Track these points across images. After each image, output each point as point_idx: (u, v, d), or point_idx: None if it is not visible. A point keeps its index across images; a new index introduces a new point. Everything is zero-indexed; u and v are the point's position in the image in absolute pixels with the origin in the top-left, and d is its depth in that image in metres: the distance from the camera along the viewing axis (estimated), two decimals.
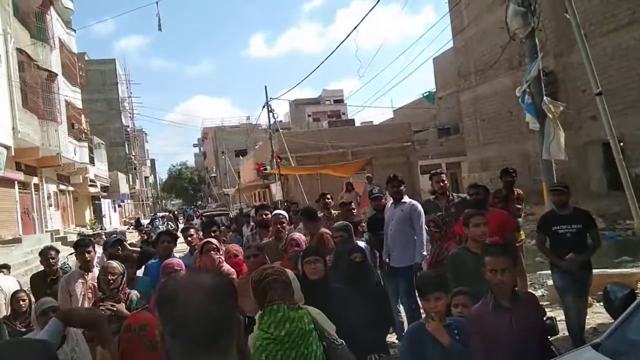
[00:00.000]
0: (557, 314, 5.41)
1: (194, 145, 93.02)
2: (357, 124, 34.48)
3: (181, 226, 24.94)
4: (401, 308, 5.63)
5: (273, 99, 24.09)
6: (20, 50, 17.05)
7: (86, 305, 4.41)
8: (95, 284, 4.31)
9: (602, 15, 14.99)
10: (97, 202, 34.82)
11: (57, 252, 5.92)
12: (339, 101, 57.02)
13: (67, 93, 23.96)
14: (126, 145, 49.16)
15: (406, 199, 5.80)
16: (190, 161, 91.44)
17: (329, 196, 7.97)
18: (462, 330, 2.95)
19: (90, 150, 29.12)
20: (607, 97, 6.01)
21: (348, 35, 20.10)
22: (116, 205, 43.32)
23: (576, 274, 4.73)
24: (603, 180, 15.73)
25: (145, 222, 31.01)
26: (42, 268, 5.76)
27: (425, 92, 23.88)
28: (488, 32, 19.17)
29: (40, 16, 19.85)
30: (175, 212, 38.82)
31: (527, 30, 6.77)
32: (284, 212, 5.84)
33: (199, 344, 1.14)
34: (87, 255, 4.99)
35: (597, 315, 5.76)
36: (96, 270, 4.61)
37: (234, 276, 4.13)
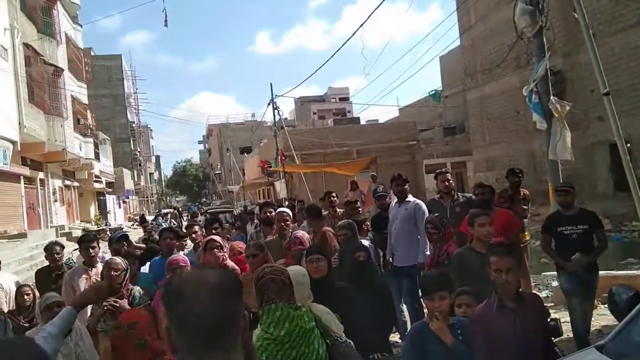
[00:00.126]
0: (562, 316, 5.38)
1: (199, 142, 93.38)
2: (363, 122, 34.44)
3: (184, 223, 25.05)
4: (404, 307, 5.62)
5: (278, 96, 24.11)
6: (26, 45, 17.11)
7: None
8: (98, 279, 4.31)
9: (610, 15, 14.88)
10: (102, 198, 34.97)
11: (62, 247, 5.94)
12: (345, 99, 56.94)
13: (73, 88, 24.04)
14: (131, 141, 49.32)
15: (410, 198, 5.78)
16: (195, 158, 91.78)
17: (334, 194, 7.96)
18: (465, 330, 2.93)
19: (96, 146, 29.22)
20: (614, 97, 5.95)
21: (354, 33, 20.01)
22: (121, 202, 43.49)
23: (582, 276, 4.67)
24: (610, 182, 15.63)
25: (150, 218, 31.14)
26: (47, 263, 5.78)
27: (431, 91, 23.84)
28: (495, 30, 19.07)
29: (47, 11, 19.91)
30: (180, 209, 38.91)
31: (535, 29, 6.72)
32: (287, 210, 5.81)
33: (204, 339, 1.15)
34: (91, 250, 5.00)
35: (601, 317, 5.73)
36: (100, 266, 4.61)
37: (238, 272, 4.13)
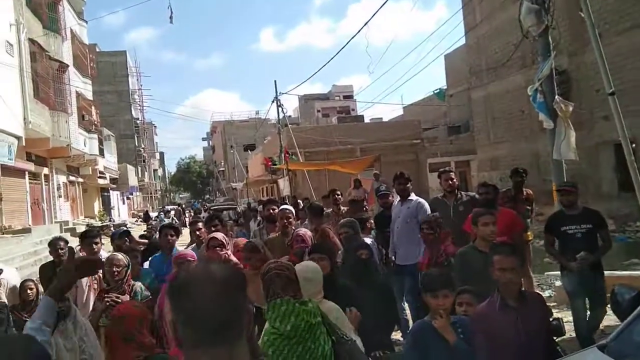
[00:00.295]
0: (565, 315, 5.37)
1: (203, 139, 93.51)
2: (367, 120, 34.40)
3: (186, 220, 25.09)
4: (406, 306, 5.62)
5: (282, 93, 24.08)
6: (32, 41, 17.16)
7: (92, 297, 4.43)
8: (100, 276, 4.33)
9: (617, 14, 14.80)
10: (106, 194, 35.07)
11: (66, 242, 5.95)
12: (349, 97, 56.93)
13: (78, 84, 24.10)
14: (136, 138, 49.43)
15: (413, 196, 5.77)
16: (199, 155, 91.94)
17: (338, 192, 7.97)
18: (466, 329, 2.95)
19: (100, 142, 29.30)
20: (620, 97, 5.92)
21: (359, 31, 19.82)
22: (125, 198, 43.61)
23: (585, 277, 4.61)
24: (614, 182, 15.57)
25: (153, 214, 31.20)
26: (51, 258, 5.80)
27: (436, 89, 23.79)
28: (501, 29, 19.00)
29: (52, 7, 19.97)
30: (183, 206, 38.99)
31: (541, 28, 6.69)
32: (290, 207, 5.82)
33: (210, 332, 1.17)
34: (94, 246, 5.01)
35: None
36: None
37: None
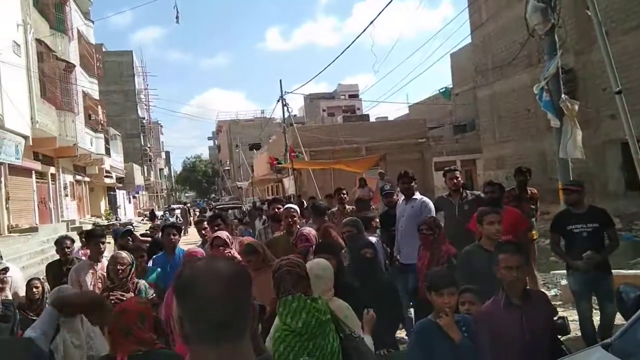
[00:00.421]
0: (570, 314, 5.35)
1: (209, 138, 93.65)
2: (372, 119, 34.35)
3: (191, 219, 25.17)
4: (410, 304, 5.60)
5: (288, 92, 24.12)
6: (39, 41, 17.24)
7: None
8: (105, 274, 4.35)
9: (624, 13, 14.69)
10: (112, 193, 35.23)
11: (73, 241, 6.00)
12: (354, 96, 56.86)
13: (85, 84, 24.21)
14: (142, 137, 49.61)
15: (417, 195, 5.76)
16: (205, 154, 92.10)
17: (344, 191, 7.98)
18: (470, 328, 2.95)
19: (107, 142, 29.43)
20: (627, 95, 5.88)
21: (364, 30, 19.98)
22: (131, 197, 43.79)
23: (591, 276, 4.58)
24: (621, 181, 15.47)
25: (159, 213, 31.32)
26: (57, 257, 5.83)
27: (441, 88, 23.73)
28: (507, 28, 18.92)
29: (59, 7, 20.06)
30: (189, 205, 39.09)
31: (547, 27, 6.66)
32: (295, 206, 5.82)
33: (215, 329, 1.18)
34: (101, 246, 5.04)
35: None
36: (105, 261, 4.64)
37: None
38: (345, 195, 7.97)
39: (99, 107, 27.66)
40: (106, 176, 30.21)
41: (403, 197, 5.90)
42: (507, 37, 19.22)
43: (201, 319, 1.19)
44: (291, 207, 5.58)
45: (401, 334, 5.32)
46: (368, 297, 3.51)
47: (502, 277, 3.00)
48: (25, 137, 15.75)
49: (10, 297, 4.93)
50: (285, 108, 24.00)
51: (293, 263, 2.77)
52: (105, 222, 23.91)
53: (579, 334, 4.79)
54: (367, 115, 35.31)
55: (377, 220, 6.08)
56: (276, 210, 6.22)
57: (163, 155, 76.41)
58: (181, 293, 1.24)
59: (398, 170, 6.44)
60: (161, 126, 73.03)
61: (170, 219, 20.22)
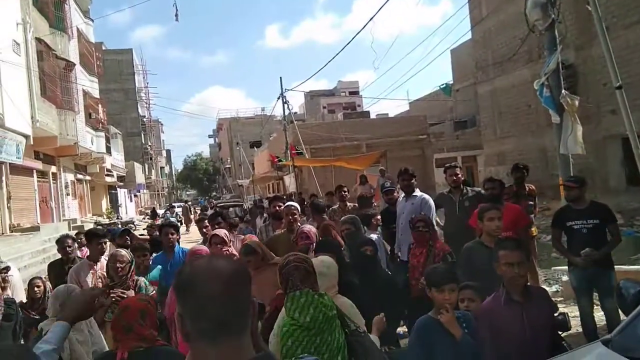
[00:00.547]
0: (572, 310, 5.35)
1: (209, 136, 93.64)
2: (373, 116, 34.32)
3: (192, 217, 25.20)
4: None
5: (288, 90, 24.10)
6: (39, 40, 17.23)
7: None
8: (105, 274, 4.36)
9: (624, 7, 14.64)
10: (113, 191, 35.28)
11: (74, 240, 6.01)
12: (355, 93, 56.77)
13: (85, 83, 24.21)
14: (142, 136, 49.64)
15: (417, 192, 5.76)
16: (206, 152, 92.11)
17: (345, 189, 7.98)
18: (470, 324, 2.95)
19: (107, 140, 29.44)
20: (627, 91, 5.87)
21: (363, 27, 19.75)
22: (132, 195, 43.84)
23: (591, 273, 4.58)
24: (622, 176, 15.45)
25: (160, 212, 31.36)
26: (59, 256, 5.84)
27: (442, 84, 23.66)
28: (507, 23, 18.87)
29: (59, 5, 20.04)
30: (190, 203, 39.13)
31: (547, 22, 6.65)
32: (295, 204, 5.82)
33: (215, 326, 1.19)
34: (103, 245, 5.04)
35: None
36: (104, 260, 4.64)
37: None
38: (347, 193, 7.98)
39: (100, 105, 27.67)
40: (107, 175, 30.24)
41: (403, 194, 5.90)
42: (507, 32, 19.17)
43: (201, 316, 1.20)
44: (292, 205, 5.58)
45: (402, 329, 5.33)
46: (369, 294, 3.52)
47: (502, 274, 3.00)
48: (26, 136, 15.76)
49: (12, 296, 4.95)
50: (286, 105, 23.99)
51: (301, 259, 2.79)
52: (107, 221, 23.95)
53: (580, 330, 4.79)
54: (368, 112, 35.28)
55: (379, 217, 6.08)
56: (277, 208, 6.22)
57: (164, 153, 76.49)
58: (181, 291, 1.25)
59: (399, 166, 6.45)
60: (162, 124, 73.11)
61: (171, 217, 20.22)
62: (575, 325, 4.77)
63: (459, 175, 5.87)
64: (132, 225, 21.70)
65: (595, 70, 15.23)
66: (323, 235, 4.55)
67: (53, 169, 20.61)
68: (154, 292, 4.15)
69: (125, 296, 3.81)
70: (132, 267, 4.06)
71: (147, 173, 50.75)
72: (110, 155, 30.68)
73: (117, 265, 3.94)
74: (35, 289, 4.96)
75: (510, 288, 2.97)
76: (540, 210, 14.40)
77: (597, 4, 5.74)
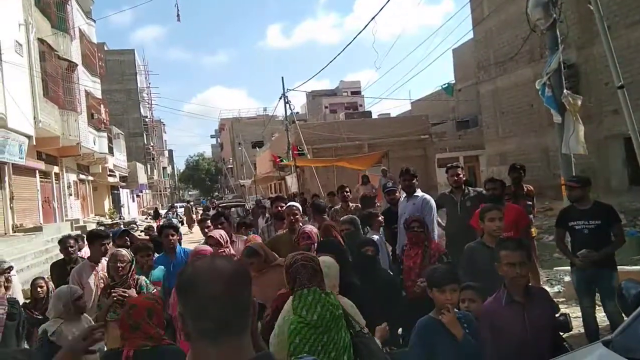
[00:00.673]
0: (574, 311, 5.34)
1: (212, 136, 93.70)
2: (374, 115, 34.29)
3: (194, 217, 25.21)
4: None
5: (290, 90, 24.10)
6: (41, 41, 17.28)
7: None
8: (106, 274, 4.37)
9: (626, 7, 14.60)
10: (115, 191, 35.33)
11: (76, 241, 6.02)
12: (356, 93, 56.79)
13: (87, 83, 24.25)
14: (144, 136, 49.69)
15: (419, 192, 5.76)
16: (208, 152, 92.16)
17: (347, 189, 7.98)
18: (471, 324, 2.95)
19: (110, 141, 29.49)
20: (629, 90, 5.86)
21: (365, 26, 19.71)
22: (134, 195, 43.90)
23: (591, 274, 4.56)
24: (624, 175, 15.42)
25: (163, 212, 31.40)
26: (62, 256, 5.86)
27: (444, 84, 23.64)
28: (509, 22, 18.85)
29: (61, 6, 20.08)
30: (192, 203, 39.19)
31: (549, 22, 6.63)
32: (297, 204, 5.83)
33: (215, 325, 1.21)
34: (107, 247, 5.05)
35: None
36: (104, 261, 4.64)
37: None
38: (349, 193, 7.98)
39: (102, 106, 27.72)
40: (109, 175, 30.29)
41: (405, 195, 5.90)
42: (509, 31, 19.15)
43: (203, 316, 1.21)
44: (293, 205, 5.59)
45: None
46: (369, 294, 3.52)
47: (504, 274, 3.00)
48: (29, 137, 15.80)
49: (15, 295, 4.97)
50: (288, 105, 23.99)
51: (308, 257, 2.80)
52: (109, 221, 23.98)
53: (583, 330, 4.77)
54: (370, 112, 35.23)
55: (382, 217, 6.05)
56: (279, 208, 6.23)
57: (166, 153, 76.54)
58: (183, 291, 1.26)
59: (400, 167, 6.45)
60: (164, 124, 73.17)
61: (172, 218, 20.24)
62: (577, 326, 4.76)
63: (461, 176, 5.85)
64: (134, 226, 21.77)
65: (597, 69, 15.20)
66: (324, 236, 4.55)
67: (55, 169, 20.65)
68: (155, 291, 4.16)
69: (127, 295, 3.82)
70: (133, 266, 4.07)
71: (149, 173, 50.80)
72: (113, 155, 30.73)
73: (118, 264, 3.95)
74: (38, 289, 4.97)
75: (512, 288, 2.96)
76: (542, 211, 14.40)
77: (598, 4, 5.73)
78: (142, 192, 47.69)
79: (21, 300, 5.23)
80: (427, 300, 3.14)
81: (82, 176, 25.54)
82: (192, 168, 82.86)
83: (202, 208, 29.72)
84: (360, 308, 3.04)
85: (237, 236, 5.81)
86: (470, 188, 5.96)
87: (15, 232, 15.28)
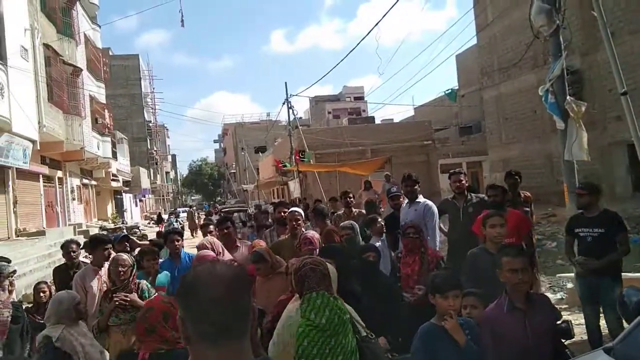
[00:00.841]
0: (576, 318, 5.32)
1: (215, 141, 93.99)
2: (378, 121, 34.33)
3: (197, 221, 25.23)
4: None
5: (293, 95, 24.13)
6: (46, 46, 17.37)
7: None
8: (107, 280, 4.38)
9: (630, 13, 14.61)
10: (119, 196, 35.40)
11: (79, 245, 6.03)
12: (360, 98, 56.86)
13: (92, 88, 24.35)
14: (148, 141, 49.83)
15: (421, 198, 5.75)
16: (211, 157, 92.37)
17: (351, 195, 7.98)
18: (473, 331, 2.94)
19: (113, 145, 29.57)
20: (632, 97, 5.85)
21: (368, 33, 19.88)
22: (137, 200, 43.99)
23: (592, 282, 4.55)
24: (628, 182, 15.38)
25: (165, 217, 31.43)
26: (64, 261, 5.87)
27: (447, 90, 23.66)
28: (512, 28, 18.88)
29: (66, 11, 20.18)
30: (195, 208, 39.24)
31: (552, 28, 6.62)
32: (299, 209, 5.83)
33: (217, 328, 1.23)
34: (110, 251, 5.06)
35: None
36: (106, 265, 4.66)
37: None
38: (352, 199, 7.97)
39: (106, 110, 27.81)
40: (113, 180, 30.35)
41: (407, 200, 5.89)
42: (512, 37, 19.17)
43: (203, 320, 1.22)
44: (295, 211, 5.59)
45: None
46: (370, 300, 3.51)
47: (505, 280, 2.99)
48: (33, 141, 15.85)
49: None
50: (291, 111, 24.02)
51: (317, 261, 2.82)
52: (112, 226, 24.02)
53: (586, 337, 4.75)
54: (373, 118, 35.27)
55: (382, 223, 6.03)
56: (282, 213, 6.23)
57: (169, 158, 76.78)
58: (184, 295, 1.28)
59: (403, 172, 6.44)
60: (167, 129, 73.44)
61: (174, 223, 20.23)
62: (580, 333, 4.74)
63: (463, 182, 5.85)
64: (137, 230, 21.75)
65: (600, 76, 15.19)
66: (326, 241, 4.55)
67: (59, 173, 20.71)
68: (156, 295, 4.16)
69: (129, 299, 3.82)
70: (134, 270, 4.07)
71: (152, 178, 50.92)
72: (116, 160, 30.81)
73: (119, 269, 3.96)
74: (41, 293, 4.98)
75: (513, 295, 2.95)
76: (545, 217, 14.37)
77: (602, 10, 5.73)
78: (145, 196, 47.78)
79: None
80: (428, 306, 3.12)
81: (85, 181, 25.60)
82: (195, 173, 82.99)
83: (204, 213, 29.72)
84: (361, 314, 3.04)
85: (241, 241, 5.81)
86: (472, 194, 5.95)
87: (18, 236, 15.32)
